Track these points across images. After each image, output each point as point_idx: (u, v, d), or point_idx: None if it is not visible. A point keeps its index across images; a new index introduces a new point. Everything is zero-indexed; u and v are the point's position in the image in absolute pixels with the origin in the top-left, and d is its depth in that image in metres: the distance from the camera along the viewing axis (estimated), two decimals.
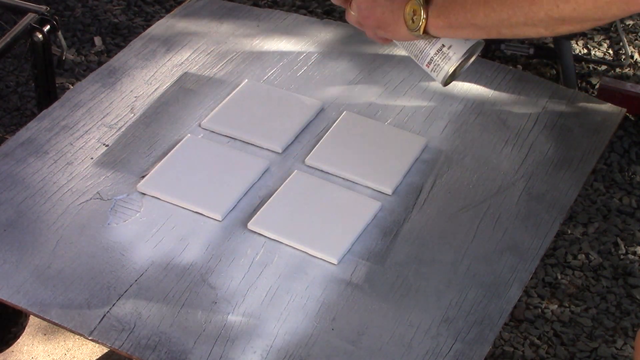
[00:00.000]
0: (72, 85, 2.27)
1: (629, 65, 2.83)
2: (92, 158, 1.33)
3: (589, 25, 1.03)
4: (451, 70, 1.18)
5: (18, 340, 1.95)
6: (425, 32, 1.13)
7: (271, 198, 1.27)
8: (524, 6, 1.03)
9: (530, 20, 1.04)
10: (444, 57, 1.18)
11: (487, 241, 1.24)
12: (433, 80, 1.23)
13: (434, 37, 1.15)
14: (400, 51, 1.53)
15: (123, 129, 1.38)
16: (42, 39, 1.76)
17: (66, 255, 1.19)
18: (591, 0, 0.97)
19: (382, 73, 1.51)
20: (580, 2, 0.98)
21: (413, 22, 1.13)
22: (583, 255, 2.27)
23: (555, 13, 1.01)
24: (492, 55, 2.67)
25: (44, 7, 1.80)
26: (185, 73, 1.49)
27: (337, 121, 1.40)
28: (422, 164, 1.35)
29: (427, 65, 1.19)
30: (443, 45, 1.18)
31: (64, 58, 1.84)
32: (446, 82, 1.20)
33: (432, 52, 1.18)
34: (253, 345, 1.10)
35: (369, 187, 1.31)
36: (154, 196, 1.27)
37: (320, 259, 1.20)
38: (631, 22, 3.01)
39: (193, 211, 1.26)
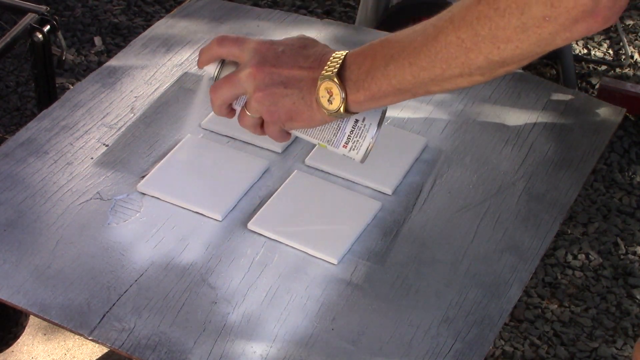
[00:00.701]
0: (72, 85, 2.27)
1: (629, 65, 2.83)
2: (92, 158, 1.33)
3: (527, 62, 0.95)
4: (372, 143, 1.11)
5: (18, 340, 1.96)
6: (346, 110, 1.05)
7: (271, 198, 1.27)
8: (460, 56, 0.94)
9: (467, 70, 0.95)
10: (361, 132, 1.10)
11: (487, 241, 1.24)
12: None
13: (352, 114, 1.08)
14: None
15: (123, 129, 1.38)
16: (42, 39, 1.76)
17: (66, 255, 1.19)
18: (535, 35, 0.89)
19: None
20: (523, 39, 0.90)
21: (331, 103, 1.04)
22: (583, 255, 2.27)
23: (496, 56, 0.93)
24: None
25: (44, 7, 1.80)
26: (185, 73, 1.48)
27: None
28: (422, 164, 1.35)
29: (344, 146, 1.12)
30: (357, 120, 1.10)
31: (64, 58, 1.84)
32: (366, 159, 1.13)
33: (348, 130, 1.10)
34: (253, 345, 1.10)
35: (369, 187, 1.31)
36: (154, 196, 1.27)
37: (320, 259, 1.20)
38: (631, 22, 3.01)
39: (193, 211, 1.26)
